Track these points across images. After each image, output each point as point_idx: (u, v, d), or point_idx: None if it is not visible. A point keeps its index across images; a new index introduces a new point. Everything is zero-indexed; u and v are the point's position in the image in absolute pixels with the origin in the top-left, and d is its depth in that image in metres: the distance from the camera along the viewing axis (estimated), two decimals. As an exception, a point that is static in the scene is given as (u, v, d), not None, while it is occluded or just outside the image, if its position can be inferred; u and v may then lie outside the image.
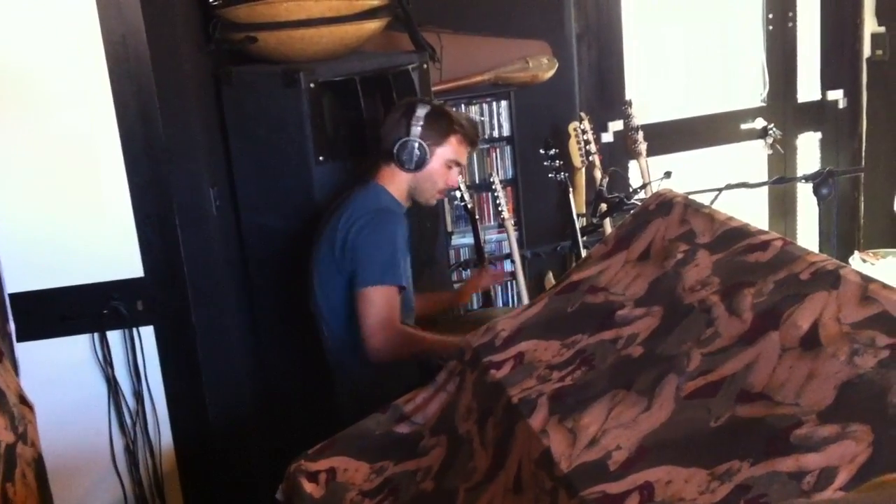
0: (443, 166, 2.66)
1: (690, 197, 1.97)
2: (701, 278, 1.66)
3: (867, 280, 1.38)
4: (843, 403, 1.21)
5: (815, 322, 1.36)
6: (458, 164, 2.69)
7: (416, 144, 2.59)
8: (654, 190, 2.93)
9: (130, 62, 2.38)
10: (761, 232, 1.68)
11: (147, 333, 2.55)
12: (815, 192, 2.80)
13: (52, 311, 2.46)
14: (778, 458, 1.19)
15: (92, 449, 2.54)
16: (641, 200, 2.81)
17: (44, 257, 2.44)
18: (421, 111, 2.60)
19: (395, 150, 2.60)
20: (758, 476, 1.19)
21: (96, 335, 2.50)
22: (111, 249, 2.48)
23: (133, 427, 2.58)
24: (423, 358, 2.59)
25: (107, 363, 2.53)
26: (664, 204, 1.95)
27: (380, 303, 2.50)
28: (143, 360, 2.55)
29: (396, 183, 2.66)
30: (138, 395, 2.57)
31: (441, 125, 2.63)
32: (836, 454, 1.15)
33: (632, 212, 2.11)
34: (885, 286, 1.35)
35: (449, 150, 2.65)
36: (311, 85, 2.76)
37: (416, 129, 2.58)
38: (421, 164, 2.61)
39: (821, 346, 1.32)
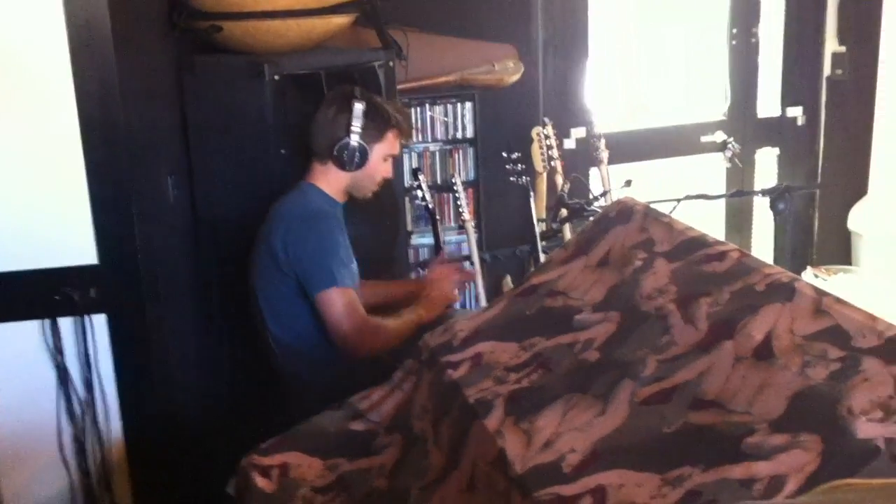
0: (380, 161, 2.64)
1: (652, 206, 1.99)
2: (658, 286, 1.68)
3: (821, 294, 1.40)
4: (795, 413, 1.23)
5: (768, 333, 1.39)
6: (393, 156, 2.68)
7: (357, 145, 2.55)
8: (615, 197, 2.96)
9: (93, 47, 2.35)
10: (719, 242, 1.70)
11: (99, 322, 2.51)
12: (772, 206, 2.85)
13: (1, 296, 2.42)
14: (729, 466, 1.21)
15: (39, 437, 2.50)
16: (602, 207, 2.84)
17: (-5, 240, 2.39)
18: (358, 107, 2.54)
19: (335, 152, 2.55)
20: (708, 482, 1.21)
21: (47, 322, 2.46)
22: (65, 235, 2.44)
23: (82, 416, 2.54)
24: (397, 345, 2.55)
25: (57, 350, 2.48)
26: (624, 211, 1.97)
27: (340, 302, 2.48)
28: (95, 349, 2.51)
29: (332, 181, 2.62)
30: (88, 384, 2.53)
31: (379, 122, 2.59)
32: (786, 463, 1.17)
33: (592, 218, 2.13)
34: (837, 300, 1.38)
35: (386, 145, 2.63)
36: (276, 77, 2.74)
37: (356, 129, 2.54)
38: (362, 163, 2.58)
39: (774, 357, 1.34)
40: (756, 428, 1.24)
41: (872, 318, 1.31)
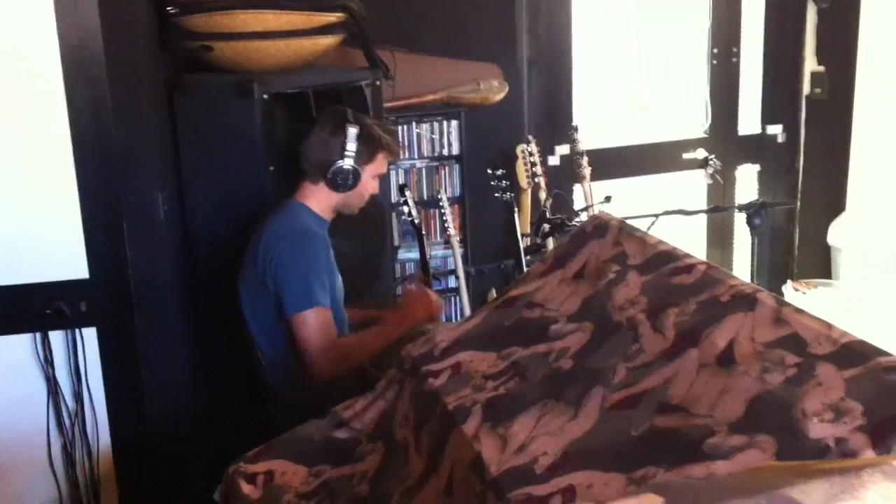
0: (370, 180, 2.72)
1: (627, 221, 2.06)
2: (630, 297, 1.74)
3: (781, 303, 1.47)
4: (752, 416, 1.30)
5: (731, 341, 1.45)
6: (381, 175, 2.76)
7: (351, 168, 2.63)
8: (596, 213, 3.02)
9: (86, 66, 2.40)
10: (688, 256, 1.77)
11: (89, 335, 2.55)
12: (749, 222, 2.93)
13: (-7, 309, 2.47)
14: (690, 465, 1.27)
15: (29, 448, 2.54)
16: (580, 222, 2.91)
17: (-12, 254, 2.44)
18: (352, 131, 2.61)
19: (329, 175, 2.62)
20: (671, 481, 1.27)
21: (38, 335, 2.50)
22: (57, 249, 2.48)
23: (71, 428, 2.58)
24: (369, 362, 2.62)
25: (48, 363, 2.53)
26: (600, 227, 2.04)
27: (314, 325, 2.54)
28: (85, 362, 2.55)
29: (321, 200, 2.69)
30: (78, 396, 2.57)
31: (370, 145, 2.67)
32: (743, 462, 1.23)
33: (569, 233, 2.20)
34: (797, 310, 1.45)
35: (376, 165, 2.72)
36: (265, 96, 2.80)
37: (351, 152, 2.61)
38: (354, 185, 2.66)
39: (735, 364, 1.41)
40: (716, 430, 1.31)
41: (828, 326, 1.37)
